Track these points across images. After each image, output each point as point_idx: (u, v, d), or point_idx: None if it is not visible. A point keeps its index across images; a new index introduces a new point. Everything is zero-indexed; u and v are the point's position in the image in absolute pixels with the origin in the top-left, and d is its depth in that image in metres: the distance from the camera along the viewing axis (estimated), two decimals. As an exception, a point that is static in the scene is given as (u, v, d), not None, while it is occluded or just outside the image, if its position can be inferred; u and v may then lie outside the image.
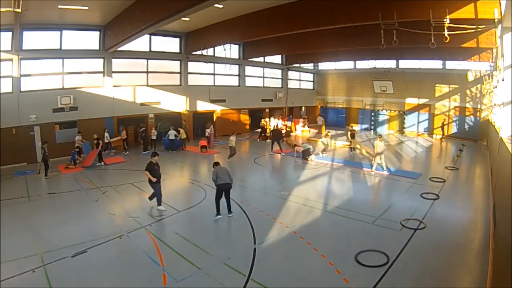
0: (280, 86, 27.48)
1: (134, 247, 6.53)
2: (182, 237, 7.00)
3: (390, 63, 24.13)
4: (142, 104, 18.42)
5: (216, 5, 11.40)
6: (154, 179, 8.30)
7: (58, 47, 15.20)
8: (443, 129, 21.06)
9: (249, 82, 24.64)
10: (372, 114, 26.35)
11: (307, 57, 25.04)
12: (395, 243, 6.56)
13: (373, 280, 5.23)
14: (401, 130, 24.77)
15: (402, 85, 24.40)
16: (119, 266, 5.92)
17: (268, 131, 20.72)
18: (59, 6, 12.10)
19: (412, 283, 5.20)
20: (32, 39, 14.40)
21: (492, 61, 17.31)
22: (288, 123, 23.57)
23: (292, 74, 28.18)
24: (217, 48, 19.40)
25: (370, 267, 5.61)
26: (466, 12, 9.88)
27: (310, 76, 30.68)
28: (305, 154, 14.83)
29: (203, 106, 21.53)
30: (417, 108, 24.01)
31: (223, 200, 8.04)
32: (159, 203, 8.58)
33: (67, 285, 5.12)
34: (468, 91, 21.40)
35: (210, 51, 20.00)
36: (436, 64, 22.55)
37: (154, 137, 17.37)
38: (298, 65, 27.87)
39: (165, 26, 12.20)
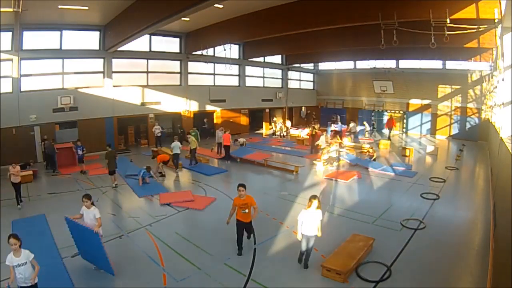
0: (280, 86, 27.47)
1: (134, 247, 6.54)
2: (182, 237, 7.00)
3: (390, 63, 24.11)
4: (142, 104, 18.42)
5: (216, 5, 11.39)
6: None
7: (58, 47, 15.19)
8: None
9: (249, 82, 24.62)
10: (373, 114, 26.31)
11: (307, 57, 25.03)
12: (395, 243, 6.57)
13: (373, 280, 5.23)
14: (402, 130, 24.72)
15: (403, 85, 24.35)
16: (118, 266, 5.90)
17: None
18: (59, 6, 12.09)
19: (412, 283, 5.20)
20: (32, 39, 14.38)
21: (493, 61, 17.30)
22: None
23: (292, 74, 28.16)
24: (217, 48, 19.39)
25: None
26: (467, 12, 9.87)
27: (310, 76, 30.66)
28: None
29: (203, 106, 21.54)
30: (419, 109, 23.93)
31: None
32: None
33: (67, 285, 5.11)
34: (471, 91, 21.31)
35: (210, 51, 20.00)
36: (436, 64, 22.49)
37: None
38: (298, 65, 27.85)
39: (165, 26, 12.21)
